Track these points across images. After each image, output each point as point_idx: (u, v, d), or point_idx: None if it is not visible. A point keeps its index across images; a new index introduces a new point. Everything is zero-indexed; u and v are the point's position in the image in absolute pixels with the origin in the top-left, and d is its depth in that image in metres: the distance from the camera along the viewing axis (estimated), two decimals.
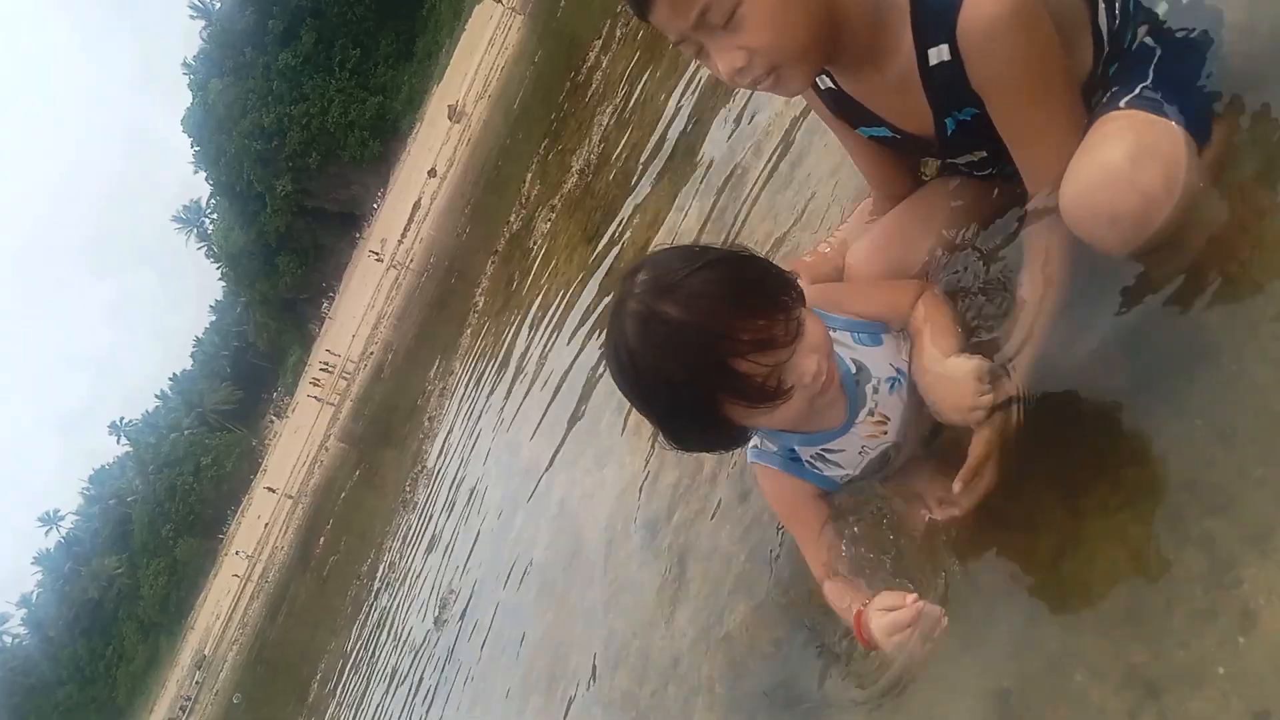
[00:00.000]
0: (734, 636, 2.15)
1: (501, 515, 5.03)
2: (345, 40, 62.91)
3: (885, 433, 1.54)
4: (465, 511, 6.03)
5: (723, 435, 1.47)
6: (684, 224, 4.39)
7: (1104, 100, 1.45)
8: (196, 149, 70.88)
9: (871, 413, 1.53)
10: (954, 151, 1.64)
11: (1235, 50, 1.48)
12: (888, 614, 1.35)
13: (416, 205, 37.98)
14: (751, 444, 1.63)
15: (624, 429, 3.66)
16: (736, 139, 4.28)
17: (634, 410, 1.64)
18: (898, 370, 1.56)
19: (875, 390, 1.53)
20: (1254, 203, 1.37)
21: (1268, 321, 1.25)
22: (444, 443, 8.28)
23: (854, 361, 1.53)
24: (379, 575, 8.65)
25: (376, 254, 41.33)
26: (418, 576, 6.67)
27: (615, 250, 5.26)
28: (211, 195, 77.86)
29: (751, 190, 3.77)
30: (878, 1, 1.45)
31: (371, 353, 29.94)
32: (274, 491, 38.37)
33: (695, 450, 1.67)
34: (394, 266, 34.62)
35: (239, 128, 63.38)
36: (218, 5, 72.04)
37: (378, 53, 62.49)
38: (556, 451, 4.49)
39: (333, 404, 31.79)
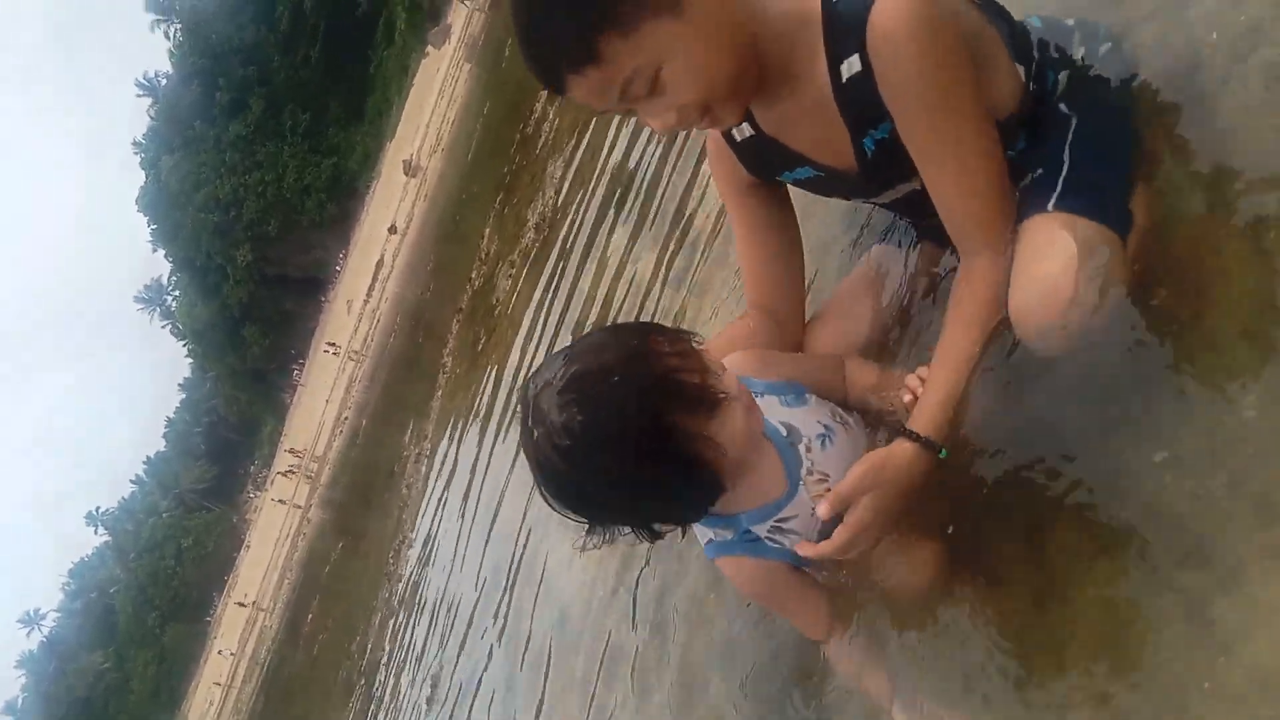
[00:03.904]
0: (722, 704, 2.11)
1: (485, 585, 4.96)
2: (294, 106, 63.07)
3: (829, 489, 1.53)
4: (449, 582, 5.94)
5: (688, 479, 1.41)
6: (639, 275, 4.38)
7: (1030, 186, 1.46)
8: (154, 227, 70.45)
9: (810, 471, 1.54)
10: (878, 185, 1.64)
11: (1148, 110, 1.49)
12: None
13: (379, 263, 37.88)
14: (706, 540, 1.60)
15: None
16: (687, 187, 4.30)
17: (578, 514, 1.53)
18: (826, 426, 1.59)
19: (809, 449, 1.55)
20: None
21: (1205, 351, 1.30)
22: (422, 510, 8.18)
23: (783, 425, 1.55)
24: (368, 653, 8.49)
25: (333, 346, 40.80)
26: (406, 653, 6.54)
27: (576, 306, 5.24)
28: (172, 272, 77.17)
29: (704, 238, 3.78)
30: (791, 22, 1.46)
31: (346, 417, 29.65)
32: (244, 605, 36.99)
33: (665, 520, 1.55)
34: (350, 358, 34.23)
35: (194, 202, 63.11)
36: (164, 82, 72.01)
37: (328, 115, 62.71)
38: (535, 517, 4.43)
39: (299, 506, 30.90)
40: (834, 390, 1.69)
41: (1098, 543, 1.36)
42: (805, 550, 1.46)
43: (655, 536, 1.57)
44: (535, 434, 1.40)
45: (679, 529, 1.60)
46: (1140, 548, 1.30)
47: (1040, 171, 1.46)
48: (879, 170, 1.57)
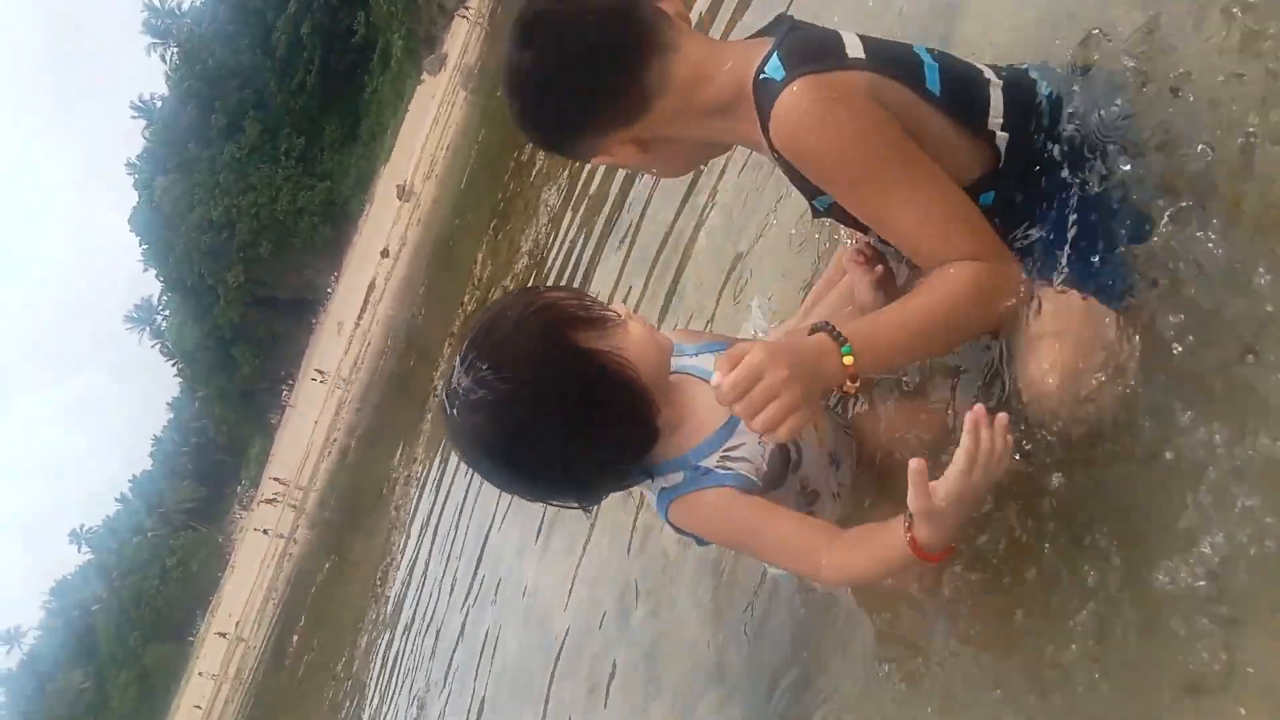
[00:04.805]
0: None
1: (474, 607, 4.97)
2: (290, 130, 63.17)
3: None
4: (437, 604, 5.94)
5: (609, 399, 1.43)
6: (631, 301, 4.44)
7: (1035, 250, 1.46)
8: (145, 247, 70.31)
9: None
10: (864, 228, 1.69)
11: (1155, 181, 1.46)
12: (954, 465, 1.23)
13: (371, 286, 37.81)
14: (659, 494, 1.59)
15: (593, 514, 3.65)
16: (680, 217, 4.37)
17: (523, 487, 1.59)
18: None
19: None
20: None
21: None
22: (411, 533, 8.17)
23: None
24: (354, 674, 8.44)
25: (321, 374, 40.68)
26: (393, 675, 6.52)
27: None
28: (162, 292, 76.92)
29: (695, 267, 3.85)
30: (730, 98, 1.50)
31: (335, 439, 29.50)
32: (224, 636, 36.37)
33: (611, 464, 1.55)
34: (339, 382, 34.18)
35: (186, 222, 63.00)
36: (159, 105, 72.10)
37: (323, 139, 62.80)
38: (524, 539, 4.46)
39: (282, 535, 30.53)
40: None
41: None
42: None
43: (594, 500, 1.65)
44: (454, 412, 1.42)
45: (624, 487, 1.62)
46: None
47: (1046, 234, 1.45)
48: (843, 221, 1.63)
